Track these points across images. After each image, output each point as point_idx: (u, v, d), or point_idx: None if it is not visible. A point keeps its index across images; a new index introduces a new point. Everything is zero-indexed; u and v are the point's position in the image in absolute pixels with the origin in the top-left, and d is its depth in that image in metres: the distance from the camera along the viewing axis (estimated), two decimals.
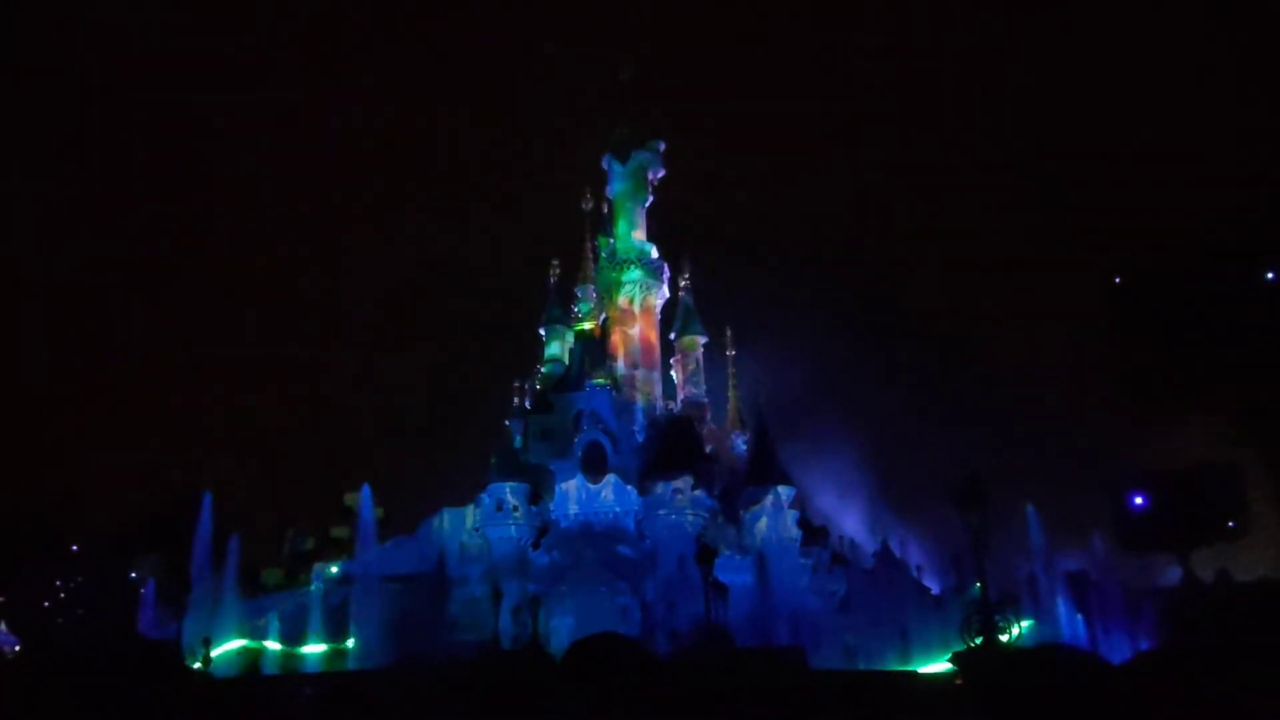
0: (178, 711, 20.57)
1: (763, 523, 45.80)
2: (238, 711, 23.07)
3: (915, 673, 34.36)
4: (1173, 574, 46.90)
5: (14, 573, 51.79)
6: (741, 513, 47.00)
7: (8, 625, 44.79)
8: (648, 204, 56.73)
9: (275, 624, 41.10)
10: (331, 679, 32.52)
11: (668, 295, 56.24)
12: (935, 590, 46.96)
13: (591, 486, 46.40)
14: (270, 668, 39.36)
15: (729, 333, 56.71)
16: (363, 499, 43.77)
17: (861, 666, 39.16)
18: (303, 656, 40.16)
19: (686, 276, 57.00)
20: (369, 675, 32.63)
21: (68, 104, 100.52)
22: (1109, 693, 18.30)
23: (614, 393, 50.04)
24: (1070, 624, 42.02)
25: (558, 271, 57.59)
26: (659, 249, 55.84)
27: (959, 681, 20.59)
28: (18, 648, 42.21)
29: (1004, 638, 20.42)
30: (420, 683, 26.08)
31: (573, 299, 57.48)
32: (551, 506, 46.81)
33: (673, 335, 56.27)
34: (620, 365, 51.77)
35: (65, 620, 52.49)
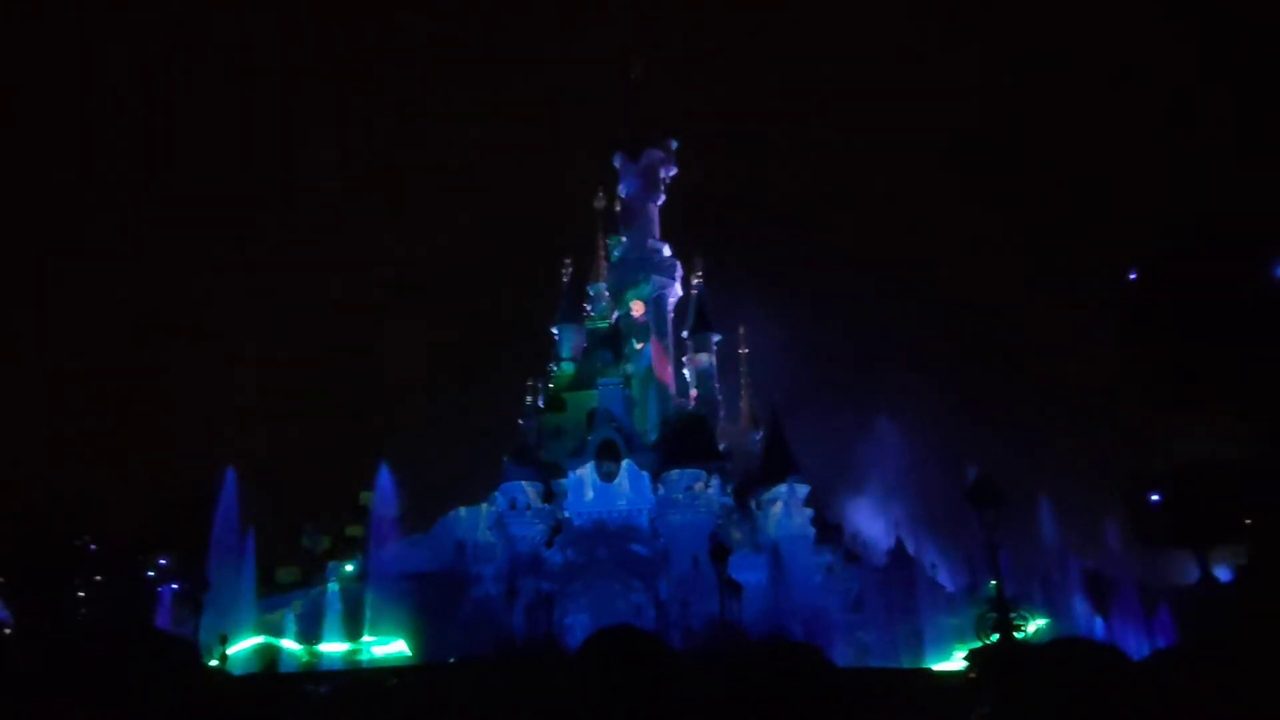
0: (194, 708, 20.69)
1: (776, 520, 45.77)
2: (254, 709, 23.18)
3: (930, 670, 34.26)
4: (1191, 572, 46.60)
5: (30, 570, 52.08)
6: (755, 510, 46.98)
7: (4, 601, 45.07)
8: (660, 202, 56.71)
9: (291, 622, 41.29)
10: (347, 676, 32.63)
11: (680, 293, 56.25)
12: (949, 588, 46.79)
13: (605, 484, 46.46)
14: (287, 666, 39.55)
15: (742, 330, 56.75)
16: (380, 479, 43.82)
17: (875, 665, 39.07)
18: (319, 654, 40.34)
19: (699, 274, 56.98)
20: (384, 673, 32.75)
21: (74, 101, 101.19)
22: (1126, 688, 18.21)
23: (627, 391, 50.06)
24: (1087, 622, 41.86)
25: (570, 270, 57.70)
26: (671, 247, 55.87)
27: (972, 676, 20.49)
28: (8, 631, 42.46)
29: (1019, 635, 20.34)
30: (435, 680, 26.20)
31: (585, 297, 57.57)
32: (565, 504, 46.92)
33: (685, 333, 56.25)
34: (633, 363, 51.77)
35: (85, 618, 52.75)
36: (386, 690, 24.44)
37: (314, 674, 33.26)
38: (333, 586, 43.65)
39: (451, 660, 34.22)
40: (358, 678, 30.82)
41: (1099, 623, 42.36)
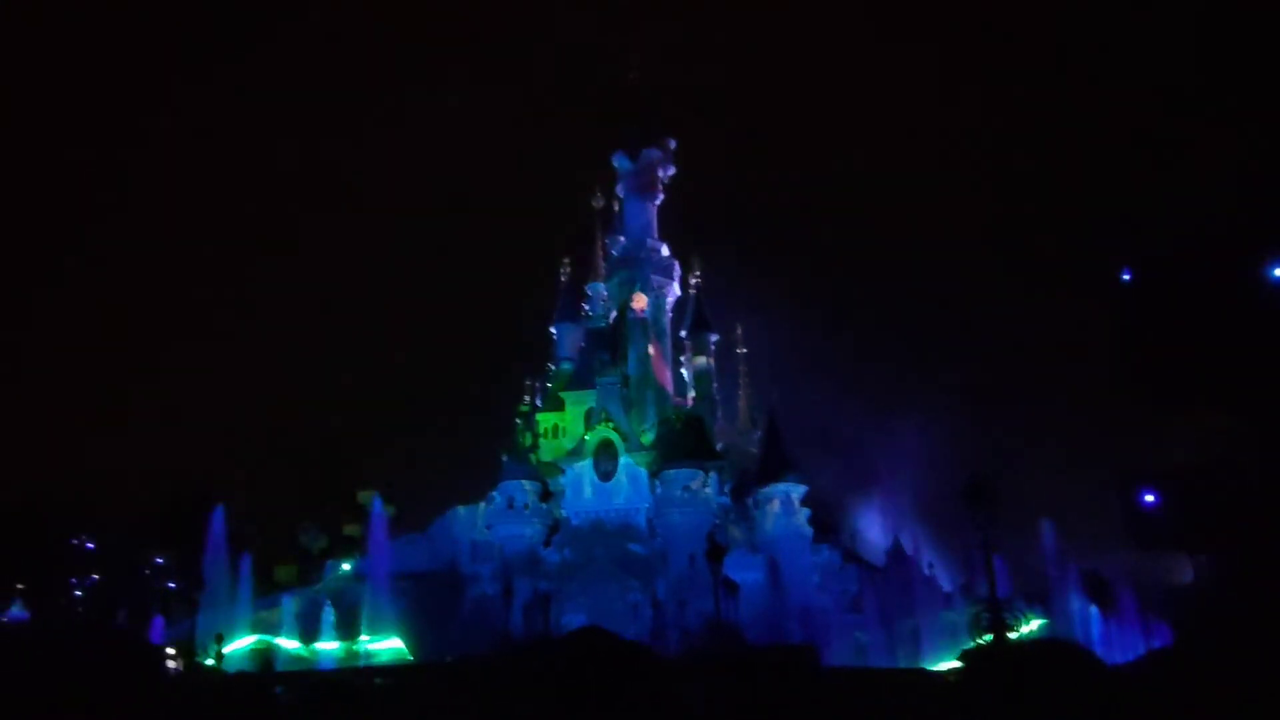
0: (165, 709, 20.82)
1: (774, 519, 45.76)
2: (235, 710, 23.21)
3: (925, 670, 34.28)
4: (1186, 572, 46.63)
5: (32, 568, 52.16)
6: (753, 509, 46.98)
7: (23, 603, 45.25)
8: (658, 202, 56.68)
9: (289, 621, 41.24)
10: (342, 675, 32.61)
11: (679, 293, 56.23)
12: (947, 588, 46.81)
13: (603, 484, 46.50)
14: (284, 664, 39.50)
15: (740, 330, 56.64)
16: (374, 510, 43.87)
17: (873, 665, 39.06)
18: (317, 653, 40.31)
19: (697, 274, 56.93)
20: (379, 672, 32.75)
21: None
22: (1116, 688, 18.25)
23: (625, 390, 50.03)
24: (1084, 622, 41.91)
25: (569, 270, 57.67)
26: (670, 247, 55.82)
27: (963, 679, 20.56)
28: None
29: (1012, 635, 20.39)
30: (420, 681, 26.20)
31: (584, 297, 57.53)
32: (563, 503, 46.94)
33: (684, 333, 56.23)
34: (631, 363, 51.76)
35: (84, 617, 52.83)
36: (373, 691, 24.45)
37: (291, 674, 33.12)
38: (330, 585, 43.69)
39: (445, 660, 34.21)
40: (342, 678, 30.76)
41: (1096, 623, 42.42)
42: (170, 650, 30.95)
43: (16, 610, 44.00)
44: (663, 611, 40.80)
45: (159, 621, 40.00)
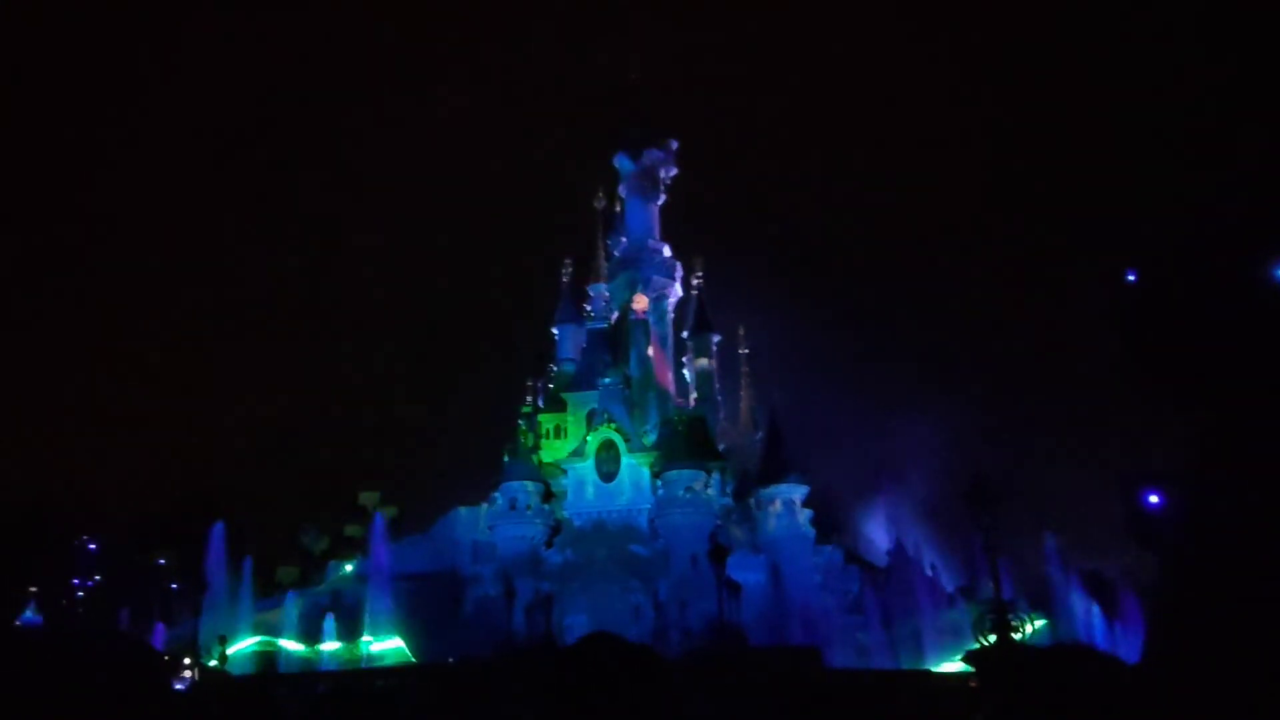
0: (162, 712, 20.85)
1: (776, 520, 45.73)
2: (250, 710, 23.22)
3: (929, 672, 34.27)
4: (1185, 573, 46.53)
5: (36, 570, 52.16)
6: (755, 510, 46.95)
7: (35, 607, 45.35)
8: (660, 202, 56.61)
9: (291, 622, 41.27)
10: (344, 677, 32.62)
11: (681, 293, 56.14)
12: (949, 589, 46.75)
13: (605, 484, 46.45)
14: (287, 666, 39.57)
15: (742, 331, 56.53)
16: (376, 511, 43.89)
17: (875, 666, 39.05)
18: (319, 654, 40.35)
19: (699, 275, 56.83)
20: (381, 673, 32.76)
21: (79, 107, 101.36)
22: (1124, 691, 18.19)
23: (627, 391, 50.00)
24: (1086, 623, 41.88)
25: (570, 270, 57.61)
26: (672, 247, 55.73)
27: (973, 683, 20.49)
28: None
29: (1017, 636, 20.34)
30: (433, 681, 26.22)
31: (585, 298, 57.47)
32: (565, 504, 46.91)
33: (685, 333, 56.16)
34: (633, 364, 51.72)
35: (93, 621, 52.81)
36: (375, 692, 24.46)
37: (294, 676, 33.17)
38: (331, 586, 43.70)
39: (447, 661, 34.22)
40: (344, 680, 30.77)
41: (1099, 624, 42.36)
42: (186, 660, 31.05)
43: (30, 614, 44.05)
44: (665, 612, 40.81)
45: (159, 626, 40.08)
